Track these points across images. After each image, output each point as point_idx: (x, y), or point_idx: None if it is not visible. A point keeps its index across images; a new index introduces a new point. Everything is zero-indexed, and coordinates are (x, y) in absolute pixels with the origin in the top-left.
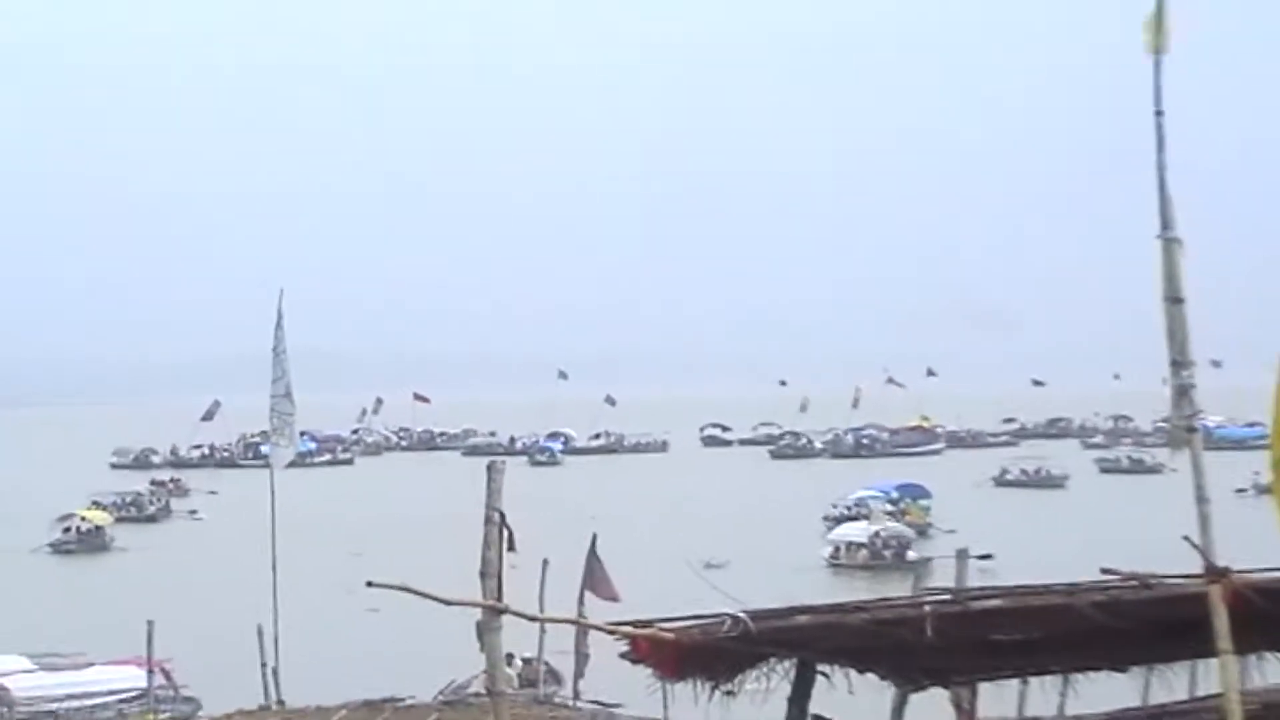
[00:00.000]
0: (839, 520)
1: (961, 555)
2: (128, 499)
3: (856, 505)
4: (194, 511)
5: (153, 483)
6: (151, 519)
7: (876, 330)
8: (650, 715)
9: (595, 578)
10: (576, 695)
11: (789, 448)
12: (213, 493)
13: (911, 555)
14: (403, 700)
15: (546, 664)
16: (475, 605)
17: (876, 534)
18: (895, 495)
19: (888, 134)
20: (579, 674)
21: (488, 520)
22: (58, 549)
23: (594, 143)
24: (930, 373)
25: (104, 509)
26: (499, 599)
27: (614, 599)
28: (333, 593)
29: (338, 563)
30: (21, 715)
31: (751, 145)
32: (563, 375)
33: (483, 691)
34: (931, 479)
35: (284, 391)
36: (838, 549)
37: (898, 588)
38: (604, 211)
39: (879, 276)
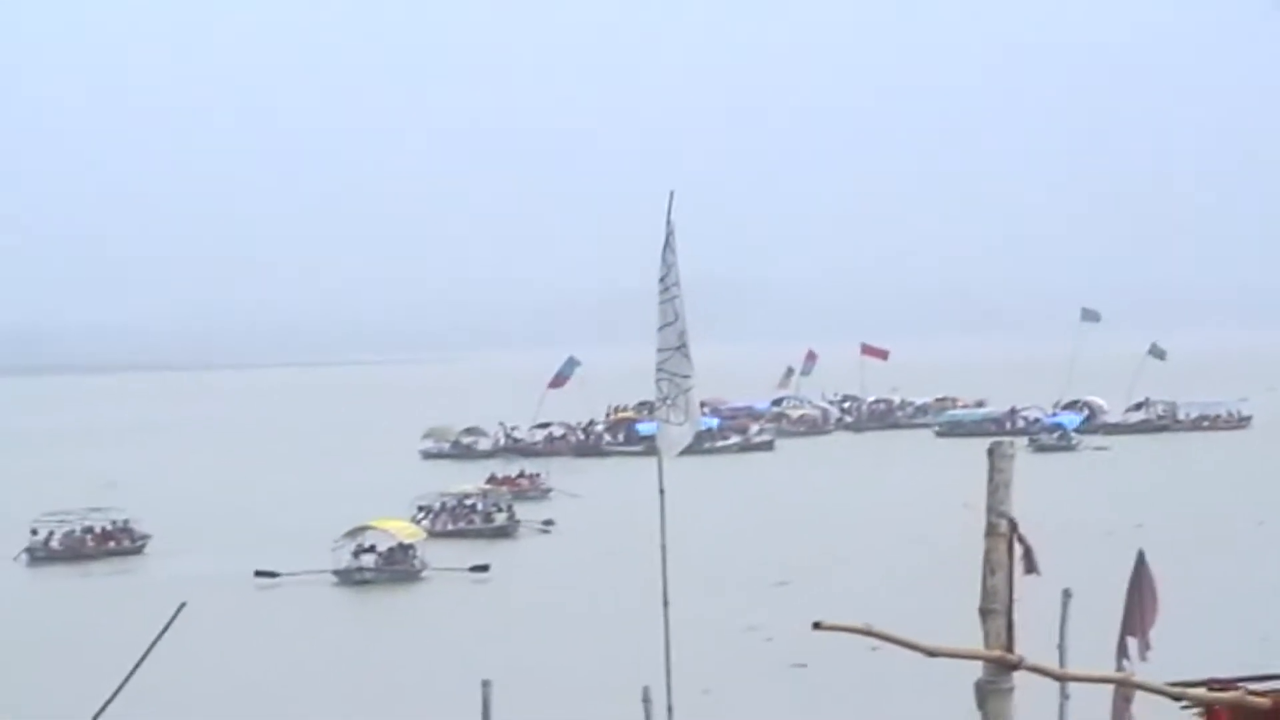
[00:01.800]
0: None
1: None
2: (465, 503)
3: None
4: (548, 522)
5: (491, 480)
6: (502, 532)
7: None
8: None
9: (1143, 616)
10: None
11: None
12: (574, 495)
13: None
14: None
15: None
16: (975, 657)
17: None
18: None
19: None
20: None
21: (991, 531)
22: (346, 579)
23: None
24: None
25: (430, 516)
26: (1009, 647)
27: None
28: (740, 639)
29: (751, 595)
30: None
31: None
32: (1090, 316)
33: None
34: None
35: (676, 343)
36: None
37: None
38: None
39: None
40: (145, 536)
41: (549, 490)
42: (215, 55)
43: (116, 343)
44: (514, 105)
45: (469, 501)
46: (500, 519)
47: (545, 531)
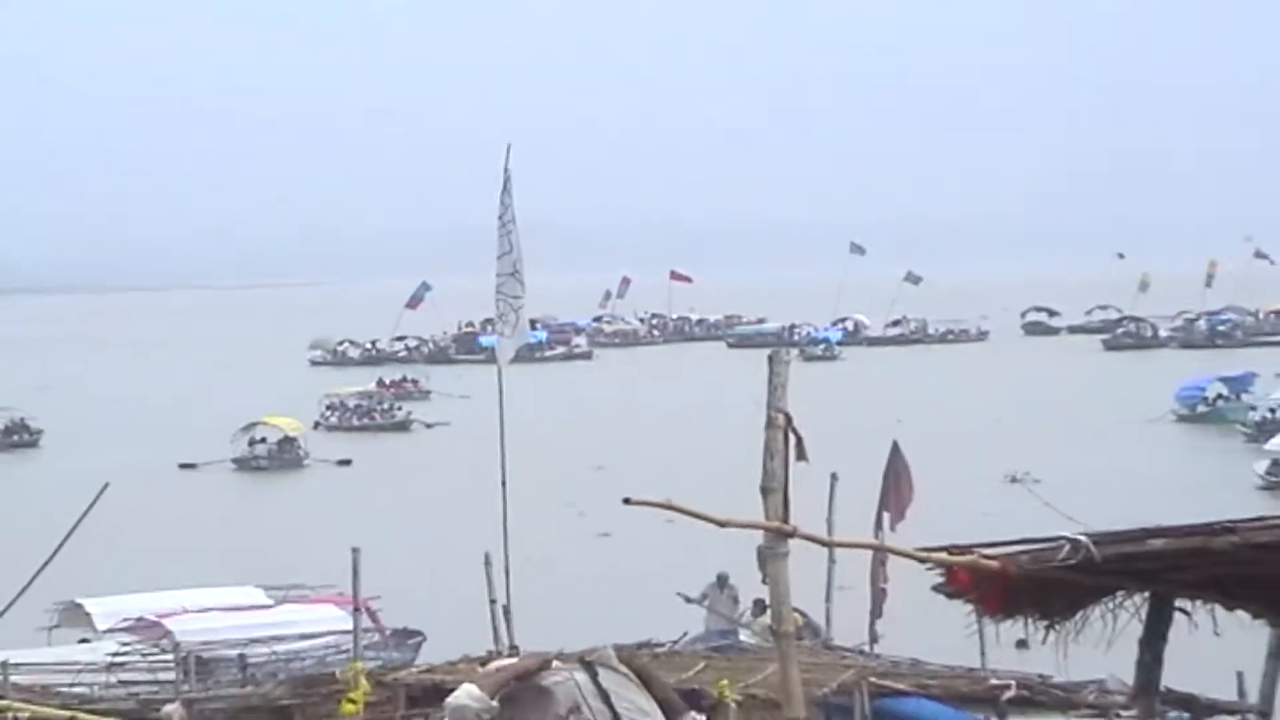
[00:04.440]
0: (1258, 426)
1: None
2: (349, 403)
3: None
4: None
5: (379, 383)
6: (401, 427)
7: (1237, 187)
8: (962, 662)
9: (898, 495)
10: (874, 639)
11: (1127, 336)
12: (464, 397)
13: None
14: (662, 645)
15: (800, 612)
16: (758, 527)
17: None
18: (1207, 393)
19: None
20: (877, 613)
21: (770, 423)
22: (244, 465)
23: None
24: None
25: (338, 414)
26: (785, 519)
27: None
28: (560, 514)
29: (571, 478)
30: (199, 666)
31: None
32: (857, 249)
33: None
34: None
35: (511, 270)
36: (1276, 464)
37: None
38: (907, 54)
39: (1241, 114)
40: (39, 431)
41: (429, 392)
42: None
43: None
44: (381, 62)
45: (352, 403)
46: (400, 416)
47: (435, 427)
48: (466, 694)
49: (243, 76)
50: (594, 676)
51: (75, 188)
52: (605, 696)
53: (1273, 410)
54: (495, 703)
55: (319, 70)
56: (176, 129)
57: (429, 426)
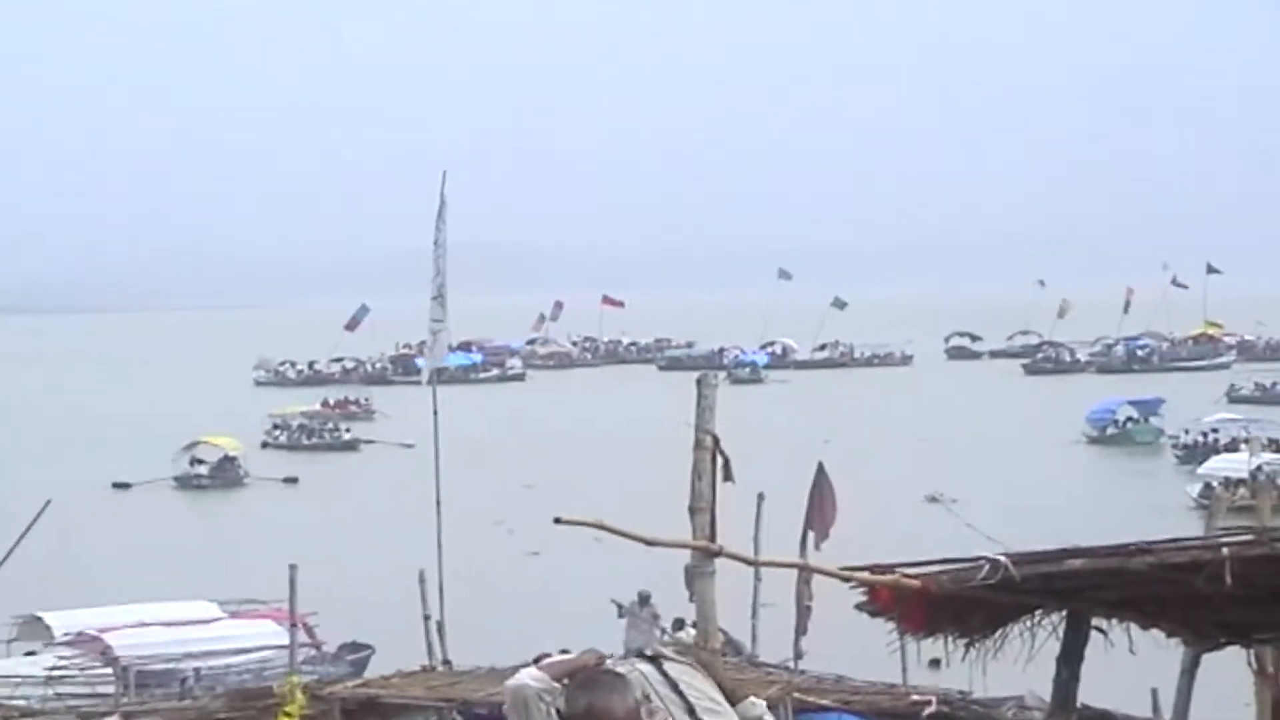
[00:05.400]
0: (1189, 449)
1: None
2: (291, 423)
3: (1214, 432)
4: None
5: (324, 404)
6: (350, 447)
7: (1152, 218)
8: (885, 678)
9: (822, 515)
10: (799, 655)
11: (1047, 361)
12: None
13: None
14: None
15: (722, 630)
16: (685, 546)
17: (1259, 468)
18: (1117, 416)
19: None
20: (801, 629)
21: (698, 445)
22: (185, 484)
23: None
24: (1211, 269)
25: (286, 433)
26: (712, 538)
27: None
28: (491, 532)
29: (502, 497)
30: (141, 679)
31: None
32: (784, 275)
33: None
34: (1171, 397)
35: (435, 294)
36: (1209, 486)
37: None
38: (824, 85)
39: (1146, 152)
40: None
41: (373, 412)
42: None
43: None
44: (322, 89)
45: (296, 423)
46: (347, 436)
47: (376, 444)
48: (528, 674)
49: (177, 105)
50: (659, 666)
51: (39, 212)
52: (674, 685)
53: (1204, 434)
54: (558, 685)
55: (264, 99)
56: (136, 159)
57: (371, 443)
